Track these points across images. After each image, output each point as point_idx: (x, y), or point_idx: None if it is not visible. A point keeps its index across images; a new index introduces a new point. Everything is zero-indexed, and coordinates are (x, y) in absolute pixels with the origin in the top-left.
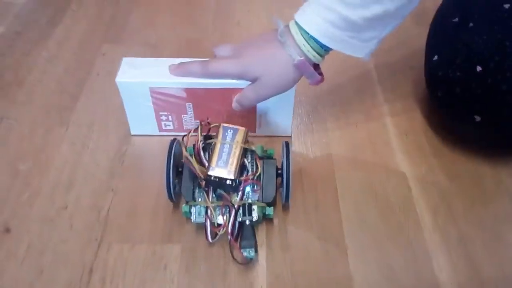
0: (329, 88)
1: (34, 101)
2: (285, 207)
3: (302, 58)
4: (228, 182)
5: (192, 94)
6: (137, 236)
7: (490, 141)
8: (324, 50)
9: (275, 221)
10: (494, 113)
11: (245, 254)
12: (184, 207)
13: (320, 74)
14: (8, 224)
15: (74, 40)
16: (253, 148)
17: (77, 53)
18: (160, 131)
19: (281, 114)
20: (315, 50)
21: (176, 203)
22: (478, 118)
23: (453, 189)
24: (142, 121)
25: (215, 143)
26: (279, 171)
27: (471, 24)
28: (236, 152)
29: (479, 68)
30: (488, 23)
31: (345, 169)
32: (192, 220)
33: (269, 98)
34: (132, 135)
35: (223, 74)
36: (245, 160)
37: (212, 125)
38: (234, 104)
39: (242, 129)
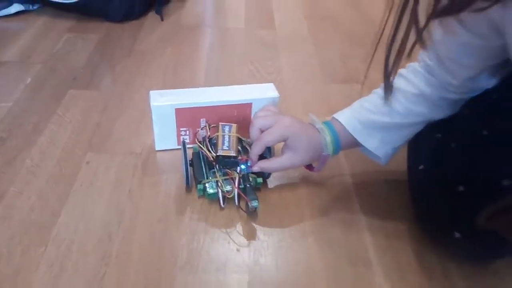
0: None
1: (14, 217)
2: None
3: (328, 154)
4: (232, 158)
5: (205, 110)
6: None
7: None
8: (338, 151)
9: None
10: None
11: (252, 204)
12: (199, 186)
13: None
14: None
15: (58, 147)
16: (243, 138)
17: (61, 161)
18: (178, 144)
19: None
20: (335, 151)
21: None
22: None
23: None
24: (166, 137)
25: (217, 136)
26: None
27: (452, 145)
28: (234, 139)
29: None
30: (468, 151)
31: None
32: (208, 192)
33: (293, 168)
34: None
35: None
36: (238, 146)
37: (212, 126)
38: (256, 168)
39: (234, 125)
